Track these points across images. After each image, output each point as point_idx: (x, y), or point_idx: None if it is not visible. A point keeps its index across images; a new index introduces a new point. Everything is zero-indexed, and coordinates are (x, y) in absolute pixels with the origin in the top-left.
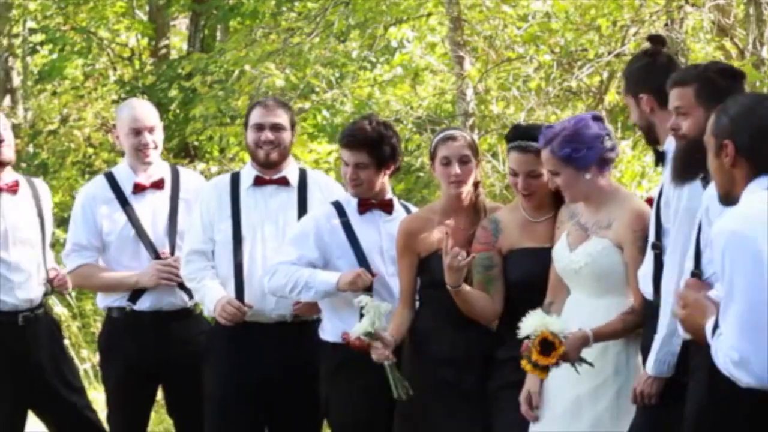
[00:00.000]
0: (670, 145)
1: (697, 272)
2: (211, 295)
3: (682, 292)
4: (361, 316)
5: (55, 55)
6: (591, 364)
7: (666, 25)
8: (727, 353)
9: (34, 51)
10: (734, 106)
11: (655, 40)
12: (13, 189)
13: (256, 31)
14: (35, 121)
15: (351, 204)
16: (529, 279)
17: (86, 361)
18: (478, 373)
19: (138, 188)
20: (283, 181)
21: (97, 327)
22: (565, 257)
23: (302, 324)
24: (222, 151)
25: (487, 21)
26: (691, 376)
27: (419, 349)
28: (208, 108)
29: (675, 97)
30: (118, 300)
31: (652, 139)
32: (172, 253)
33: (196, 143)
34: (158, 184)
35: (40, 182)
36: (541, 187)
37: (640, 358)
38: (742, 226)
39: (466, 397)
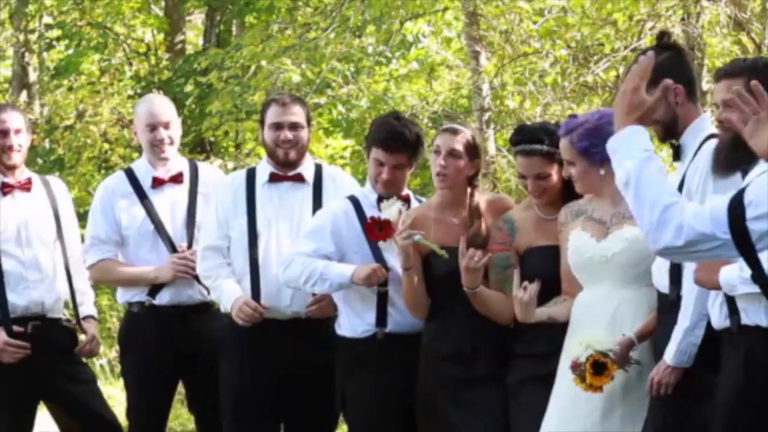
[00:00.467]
0: (686, 138)
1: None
2: (228, 295)
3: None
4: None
5: (71, 51)
6: (639, 363)
7: (682, 19)
8: None
9: (50, 46)
10: None
11: (661, 36)
12: (26, 186)
13: (272, 26)
14: (51, 117)
15: (368, 199)
16: (547, 277)
17: (102, 356)
18: (487, 364)
19: (157, 182)
20: (299, 178)
21: (112, 322)
22: (592, 247)
23: (318, 320)
24: (238, 146)
25: (503, 15)
26: (723, 364)
27: (426, 347)
28: (224, 103)
29: (724, 88)
30: (138, 294)
31: (671, 133)
32: (190, 246)
33: (212, 139)
34: (177, 178)
35: (55, 180)
36: (551, 187)
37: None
38: None
39: (475, 389)
